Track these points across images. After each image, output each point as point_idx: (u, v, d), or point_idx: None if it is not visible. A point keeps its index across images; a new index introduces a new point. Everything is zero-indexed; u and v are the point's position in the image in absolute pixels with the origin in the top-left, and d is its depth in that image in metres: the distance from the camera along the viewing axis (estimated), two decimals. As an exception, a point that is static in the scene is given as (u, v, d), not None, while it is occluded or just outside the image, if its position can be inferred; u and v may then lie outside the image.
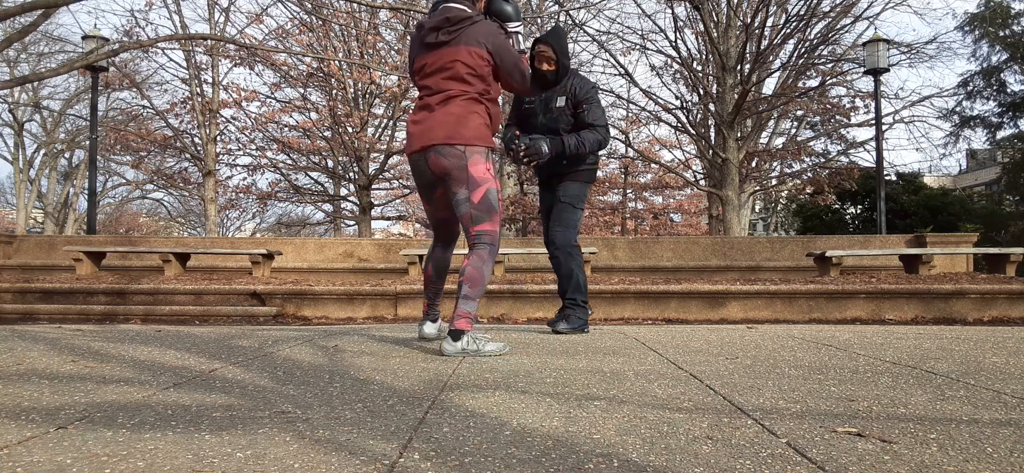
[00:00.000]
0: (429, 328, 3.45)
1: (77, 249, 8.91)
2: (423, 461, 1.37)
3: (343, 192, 19.90)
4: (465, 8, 3.05)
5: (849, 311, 7.07)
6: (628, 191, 24.03)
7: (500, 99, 3.50)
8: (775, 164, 18.74)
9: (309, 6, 15.55)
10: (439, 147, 2.97)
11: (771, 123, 19.18)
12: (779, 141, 19.78)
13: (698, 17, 14.14)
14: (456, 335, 2.90)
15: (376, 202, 19.56)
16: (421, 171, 3.11)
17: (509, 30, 3.19)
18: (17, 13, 6.93)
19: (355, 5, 14.16)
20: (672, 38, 15.08)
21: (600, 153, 4.22)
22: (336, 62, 15.48)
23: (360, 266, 9.75)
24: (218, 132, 17.85)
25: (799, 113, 18.84)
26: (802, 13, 14.00)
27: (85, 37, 12.60)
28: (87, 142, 19.25)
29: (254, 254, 8.75)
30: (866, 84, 16.17)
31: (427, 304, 3.50)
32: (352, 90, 16.43)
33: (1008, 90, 21.71)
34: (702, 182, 18.41)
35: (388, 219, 25.22)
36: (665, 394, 2.09)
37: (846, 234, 18.41)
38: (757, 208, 33.63)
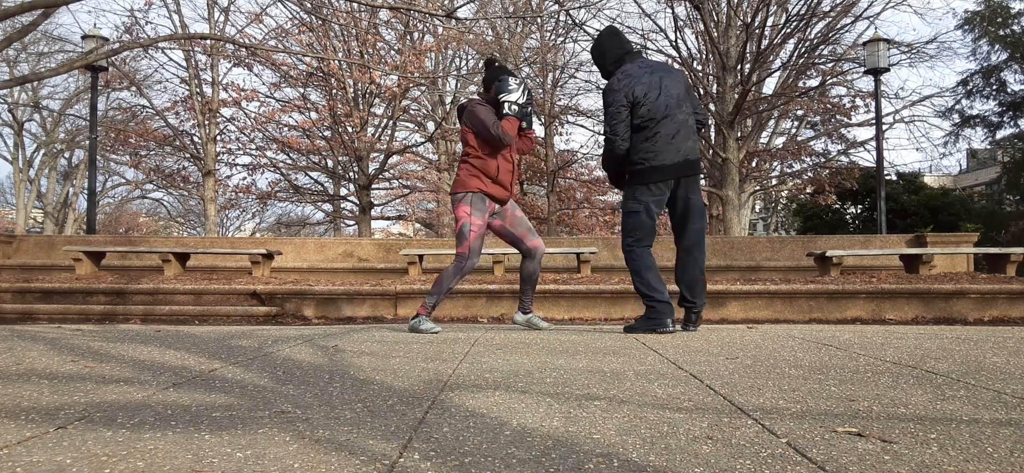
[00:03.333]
0: (519, 317, 4.53)
1: (77, 249, 8.91)
2: (423, 461, 1.37)
3: (343, 192, 19.88)
4: (471, 100, 4.36)
5: (849, 311, 7.06)
6: (628, 191, 23.89)
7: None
8: (775, 164, 18.73)
9: (309, 6, 15.52)
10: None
11: (771, 123, 19.16)
12: (779, 141, 19.76)
13: (698, 17, 14.13)
14: (414, 316, 4.20)
15: (376, 202, 19.54)
16: None
17: (500, 99, 4.21)
18: (17, 13, 6.92)
19: (355, 5, 14.15)
20: (672, 38, 15.09)
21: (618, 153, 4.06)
22: (336, 62, 15.46)
23: (360, 266, 9.75)
24: (218, 132, 17.84)
25: (799, 113, 18.83)
26: (802, 13, 14.00)
27: (85, 37, 12.60)
28: (87, 142, 19.22)
29: (254, 254, 8.75)
30: (866, 84, 16.17)
31: (520, 298, 4.55)
32: (352, 90, 16.41)
33: (1008, 89, 21.66)
34: (702, 182, 18.37)
35: (388, 219, 25.24)
36: (665, 394, 2.09)
37: (846, 234, 18.41)
38: (757, 208, 33.60)
